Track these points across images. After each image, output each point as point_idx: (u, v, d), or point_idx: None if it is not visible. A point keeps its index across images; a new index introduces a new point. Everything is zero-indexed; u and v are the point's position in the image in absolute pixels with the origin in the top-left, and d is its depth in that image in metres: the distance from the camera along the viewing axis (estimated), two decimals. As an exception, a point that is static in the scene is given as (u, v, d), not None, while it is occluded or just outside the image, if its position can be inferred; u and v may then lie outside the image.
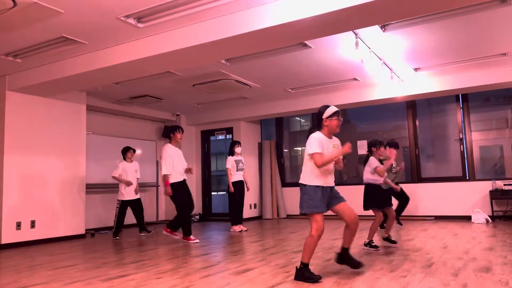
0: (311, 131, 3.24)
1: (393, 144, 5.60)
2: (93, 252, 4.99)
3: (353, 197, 4.70)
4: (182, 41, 4.33)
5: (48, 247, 5.57)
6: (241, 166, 6.93)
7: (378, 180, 4.47)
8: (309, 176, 3.12)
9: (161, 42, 4.47)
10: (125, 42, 4.71)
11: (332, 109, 3.18)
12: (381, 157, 4.61)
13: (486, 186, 7.05)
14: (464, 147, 7.50)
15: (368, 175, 4.49)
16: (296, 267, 3.14)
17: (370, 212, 4.55)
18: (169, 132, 5.50)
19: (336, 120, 3.17)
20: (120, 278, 3.40)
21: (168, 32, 4.42)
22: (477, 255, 3.87)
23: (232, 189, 6.72)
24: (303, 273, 3.05)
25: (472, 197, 7.17)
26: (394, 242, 4.57)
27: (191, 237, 5.46)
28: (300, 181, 3.18)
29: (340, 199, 3.17)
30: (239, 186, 6.82)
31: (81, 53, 5.02)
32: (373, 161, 4.46)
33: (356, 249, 4.35)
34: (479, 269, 3.25)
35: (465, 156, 7.48)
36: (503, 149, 7.44)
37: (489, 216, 6.72)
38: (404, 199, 6.22)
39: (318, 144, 3.09)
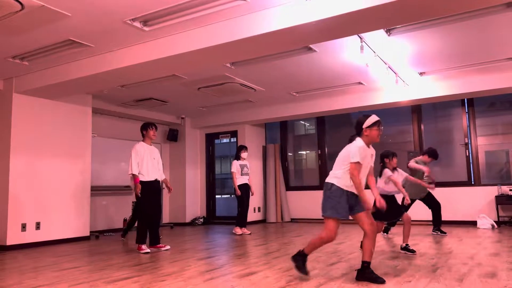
0: (352, 137, 3.26)
1: (431, 153, 5.81)
2: (97, 254, 5.00)
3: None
4: (187, 44, 4.35)
5: (53, 248, 5.59)
6: (246, 171, 6.94)
7: (392, 191, 4.47)
8: (339, 178, 3.12)
9: (166, 45, 4.49)
10: (131, 45, 4.74)
11: (372, 119, 3.16)
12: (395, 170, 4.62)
13: (491, 191, 7.01)
14: (470, 152, 7.47)
15: (381, 185, 4.47)
16: (300, 250, 3.28)
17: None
18: (141, 130, 5.21)
19: (377, 130, 3.15)
20: (124, 280, 3.41)
21: (174, 36, 4.45)
22: (483, 260, 3.84)
23: (238, 192, 6.74)
24: (297, 259, 3.25)
25: (477, 202, 7.12)
26: (413, 251, 4.36)
27: (143, 246, 4.96)
28: (327, 180, 3.17)
29: (362, 207, 3.11)
30: (244, 189, 6.84)
31: (87, 56, 5.06)
32: (386, 171, 4.47)
33: (356, 253, 4.33)
34: (485, 275, 3.22)
35: (471, 161, 7.44)
36: (509, 154, 7.39)
37: (494, 221, 6.67)
38: (435, 206, 5.91)
39: (360, 154, 3.06)
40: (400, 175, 4.69)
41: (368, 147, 3.19)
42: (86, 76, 5.11)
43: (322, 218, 3.18)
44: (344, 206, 3.08)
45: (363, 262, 3.11)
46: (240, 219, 6.87)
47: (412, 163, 5.70)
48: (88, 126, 6.79)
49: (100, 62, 4.98)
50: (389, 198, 4.40)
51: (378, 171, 4.58)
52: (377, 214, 4.36)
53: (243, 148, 7.06)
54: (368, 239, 3.09)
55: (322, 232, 3.14)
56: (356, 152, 3.06)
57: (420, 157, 5.93)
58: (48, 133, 6.16)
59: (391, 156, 4.56)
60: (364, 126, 3.14)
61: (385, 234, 5.96)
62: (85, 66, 5.11)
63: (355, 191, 3.11)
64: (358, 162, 3.04)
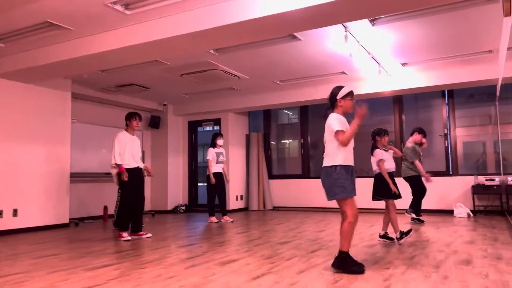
0: (326, 112, 3.23)
1: (421, 130, 5.99)
2: (77, 241, 4.94)
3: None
4: (170, 29, 4.27)
5: (31, 236, 5.49)
6: (222, 159, 6.92)
7: (388, 169, 4.45)
8: (336, 156, 3.07)
9: (148, 30, 4.40)
10: (112, 29, 4.62)
11: (346, 89, 3.17)
12: (384, 148, 4.56)
13: (468, 181, 7.18)
14: (449, 142, 7.62)
15: (375, 166, 4.47)
16: (336, 256, 3.08)
17: (378, 205, 4.46)
18: (125, 119, 5.19)
19: (350, 100, 3.16)
20: (104, 267, 3.38)
21: (156, 20, 4.35)
22: (458, 248, 3.94)
23: (213, 180, 6.72)
24: (346, 261, 3.01)
25: (454, 191, 7.29)
26: (391, 239, 4.41)
27: (124, 234, 4.92)
28: (327, 164, 3.10)
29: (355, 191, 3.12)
30: (218, 178, 6.83)
31: (66, 39, 4.92)
32: (378, 153, 4.42)
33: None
34: (460, 262, 3.31)
35: (449, 151, 7.59)
36: (486, 145, 7.57)
37: (470, 210, 6.85)
38: (419, 193, 5.98)
39: (339, 122, 3.07)
40: (389, 154, 4.61)
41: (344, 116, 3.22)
42: (65, 60, 4.98)
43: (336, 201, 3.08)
44: (350, 183, 3.06)
45: (341, 252, 3.08)
46: (213, 208, 6.88)
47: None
48: (68, 111, 6.64)
49: (80, 46, 4.85)
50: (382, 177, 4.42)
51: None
52: (379, 192, 4.38)
53: (219, 135, 7.00)
54: (351, 225, 3.05)
55: (346, 218, 3.01)
56: (335, 121, 3.08)
57: (412, 139, 5.99)
58: (26, 118, 6.00)
59: (382, 133, 4.48)
60: (338, 97, 3.17)
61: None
62: (64, 50, 4.97)
63: (352, 164, 3.13)
64: (341, 130, 3.03)
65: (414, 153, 5.94)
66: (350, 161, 3.13)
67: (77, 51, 4.87)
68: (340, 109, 3.17)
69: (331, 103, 3.23)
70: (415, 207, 6.05)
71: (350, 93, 3.18)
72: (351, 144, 3.17)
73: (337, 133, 3.04)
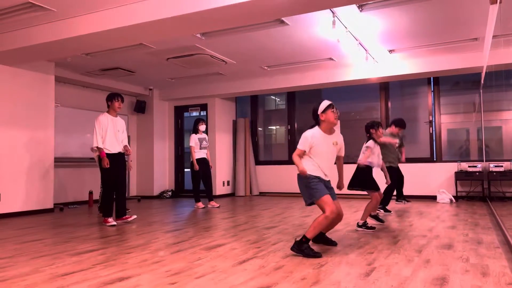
0: (312, 127, 3.32)
1: (398, 123, 5.90)
2: (61, 226, 4.90)
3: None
4: (155, 12, 4.19)
5: (15, 221, 5.43)
6: (205, 144, 6.89)
7: (373, 163, 4.46)
8: (309, 167, 3.20)
9: (133, 12, 4.31)
10: (96, 11, 4.51)
11: (325, 103, 3.26)
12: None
13: (451, 168, 7.31)
14: (433, 129, 7.72)
15: (366, 158, 4.42)
16: (296, 239, 3.19)
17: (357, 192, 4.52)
18: (107, 100, 5.06)
19: (332, 112, 3.23)
20: (89, 252, 3.36)
21: (141, 3, 4.26)
22: (440, 233, 4.03)
23: (197, 167, 6.70)
24: (304, 247, 3.07)
25: (438, 177, 7.42)
26: (381, 220, 4.63)
27: (109, 219, 4.89)
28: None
29: (334, 195, 3.25)
30: (202, 163, 6.81)
31: (49, 21, 4.79)
32: (370, 144, 4.44)
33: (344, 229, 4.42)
34: (442, 246, 3.39)
35: (434, 138, 7.70)
36: (469, 132, 7.69)
37: (453, 196, 6.99)
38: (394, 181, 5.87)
39: (305, 142, 3.21)
40: (378, 149, 4.60)
41: (330, 133, 3.27)
42: (47, 42, 4.86)
43: (311, 204, 3.22)
44: (321, 184, 3.20)
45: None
46: (198, 194, 6.88)
47: (382, 138, 5.74)
48: (51, 95, 6.51)
49: (63, 28, 4.73)
50: (369, 169, 4.45)
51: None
52: (367, 184, 4.37)
53: (200, 120, 6.93)
54: (326, 220, 3.14)
55: (324, 213, 3.10)
56: (302, 140, 3.24)
57: (388, 130, 5.97)
58: (7, 101, 5.87)
59: (376, 126, 4.49)
60: (319, 112, 3.25)
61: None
62: (46, 32, 4.84)
63: (327, 179, 3.27)
64: (300, 149, 3.22)
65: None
66: (322, 175, 3.23)
67: (60, 33, 4.75)
68: (323, 123, 3.26)
69: (315, 120, 3.32)
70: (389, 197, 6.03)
71: (330, 106, 3.26)
72: (324, 158, 3.25)
73: (298, 150, 3.23)
